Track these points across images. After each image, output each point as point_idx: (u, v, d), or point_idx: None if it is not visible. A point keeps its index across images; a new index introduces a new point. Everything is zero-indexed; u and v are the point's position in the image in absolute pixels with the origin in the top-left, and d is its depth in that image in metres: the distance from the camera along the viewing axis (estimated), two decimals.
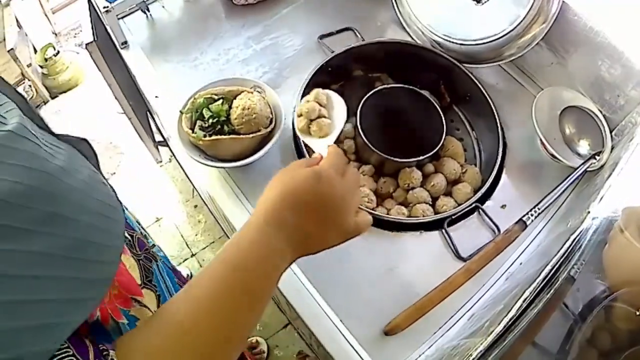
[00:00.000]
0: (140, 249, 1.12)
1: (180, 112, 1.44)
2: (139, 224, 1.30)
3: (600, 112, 1.55)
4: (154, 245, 1.24)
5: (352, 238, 0.95)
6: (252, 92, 1.44)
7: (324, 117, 1.28)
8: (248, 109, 1.38)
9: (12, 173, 0.64)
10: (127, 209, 1.23)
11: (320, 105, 1.31)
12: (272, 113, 1.45)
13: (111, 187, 1.09)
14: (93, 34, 1.77)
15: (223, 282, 0.79)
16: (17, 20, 3.72)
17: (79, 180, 0.80)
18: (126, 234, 1.06)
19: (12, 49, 3.48)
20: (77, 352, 0.62)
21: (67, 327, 0.61)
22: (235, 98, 1.44)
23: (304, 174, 0.90)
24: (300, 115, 1.30)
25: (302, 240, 0.89)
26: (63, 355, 0.60)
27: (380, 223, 1.44)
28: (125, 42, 1.84)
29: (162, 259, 1.24)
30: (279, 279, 0.88)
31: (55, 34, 4.34)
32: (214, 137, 1.38)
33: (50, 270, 0.61)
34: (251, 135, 1.38)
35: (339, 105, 1.33)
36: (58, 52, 3.82)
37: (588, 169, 1.46)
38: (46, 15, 4.20)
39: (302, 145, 1.50)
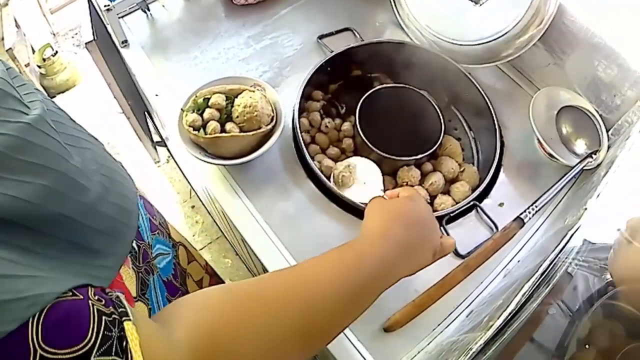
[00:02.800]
0: (143, 261, 1.12)
1: (182, 110, 1.45)
2: (151, 223, 1.31)
3: (597, 111, 1.56)
4: (155, 257, 1.24)
5: (440, 258, 1.04)
6: (253, 91, 1.45)
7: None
8: (250, 106, 1.39)
9: (24, 170, 0.65)
10: (143, 210, 1.23)
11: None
12: (273, 111, 1.46)
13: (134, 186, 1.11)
14: (93, 32, 1.78)
15: (339, 276, 0.83)
16: (15, 20, 3.72)
17: (95, 181, 0.81)
18: (134, 244, 1.06)
19: (10, 48, 3.48)
20: None
21: None
22: (236, 96, 1.45)
23: (401, 199, 1.01)
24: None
25: (409, 254, 0.95)
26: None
27: None
28: (126, 41, 1.84)
29: (159, 271, 1.23)
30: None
31: (54, 34, 4.34)
32: (215, 134, 1.39)
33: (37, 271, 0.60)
34: (252, 133, 1.39)
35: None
36: (56, 52, 3.82)
37: (585, 168, 1.47)
38: (44, 15, 4.20)
39: (302, 143, 1.51)
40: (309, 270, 0.86)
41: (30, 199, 0.65)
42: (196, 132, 1.39)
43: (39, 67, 3.83)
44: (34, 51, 3.89)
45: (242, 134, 1.39)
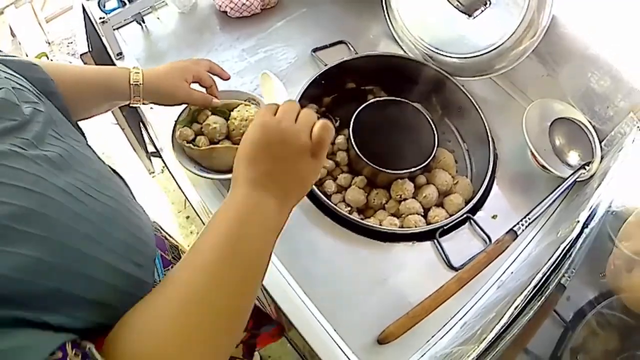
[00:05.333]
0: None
1: (175, 122, 1.46)
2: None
3: (590, 123, 1.57)
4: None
5: (325, 149, 0.94)
6: (249, 105, 1.45)
7: None
8: (247, 120, 1.39)
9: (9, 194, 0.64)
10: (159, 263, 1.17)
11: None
12: None
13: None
14: (88, 44, 1.78)
15: (221, 252, 0.79)
16: (10, 29, 3.72)
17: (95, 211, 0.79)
18: None
19: None
20: None
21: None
22: (232, 110, 1.45)
23: (249, 128, 0.92)
24: None
25: (277, 183, 0.89)
26: None
27: (373, 234, 1.45)
28: (121, 53, 1.85)
29: None
30: (277, 238, 0.89)
31: (49, 43, 4.33)
32: (209, 146, 1.39)
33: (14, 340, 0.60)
34: None
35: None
36: (51, 61, 3.80)
37: (578, 179, 1.48)
38: (40, 24, 4.19)
39: None
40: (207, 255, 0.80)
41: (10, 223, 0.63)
42: (190, 145, 1.39)
43: None
44: None
45: (236, 146, 1.38)
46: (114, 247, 0.82)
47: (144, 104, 1.32)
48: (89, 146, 1.00)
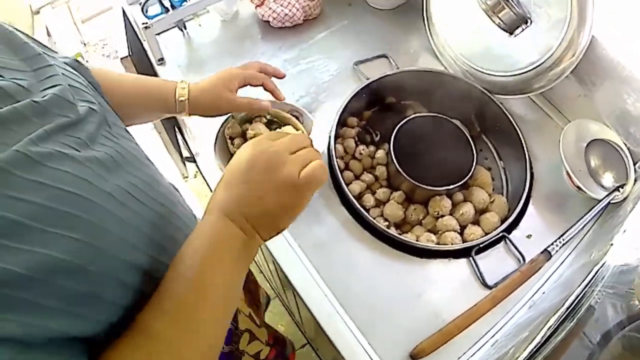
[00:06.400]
0: None
1: (231, 116, 1.49)
2: None
3: (625, 144, 1.57)
4: None
5: (312, 191, 0.88)
6: (298, 129, 1.45)
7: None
8: None
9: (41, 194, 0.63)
10: None
11: None
12: None
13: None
14: (128, 48, 1.80)
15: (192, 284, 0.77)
16: (47, 29, 3.74)
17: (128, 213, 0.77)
18: None
19: None
20: None
21: None
22: (283, 125, 1.47)
23: (240, 148, 0.88)
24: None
25: (246, 213, 0.84)
26: None
27: (410, 249, 1.46)
28: (162, 59, 1.87)
29: None
30: (245, 270, 0.87)
31: (84, 44, 4.36)
32: None
33: None
34: None
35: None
36: (87, 62, 3.82)
37: (612, 201, 1.48)
38: (75, 24, 4.22)
39: (337, 170, 1.54)
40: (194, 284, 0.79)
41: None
42: (235, 145, 1.41)
43: None
44: None
45: None
46: (156, 254, 0.82)
47: (190, 115, 1.33)
48: (141, 149, 1.01)
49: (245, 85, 1.37)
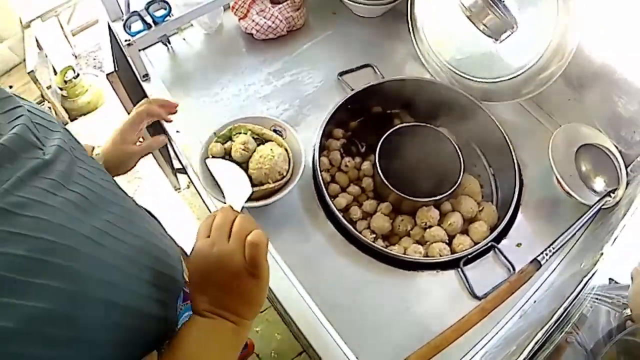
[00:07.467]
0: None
1: (214, 134, 1.49)
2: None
3: (617, 148, 1.56)
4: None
5: (259, 269, 0.90)
6: (281, 145, 1.46)
7: None
8: (265, 158, 1.41)
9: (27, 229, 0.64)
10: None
11: None
12: (287, 169, 1.46)
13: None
14: (114, 64, 1.78)
15: None
16: (37, 42, 3.73)
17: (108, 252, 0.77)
18: None
19: (32, 70, 3.49)
20: None
21: None
22: (265, 142, 1.47)
23: (192, 256, 0.92)
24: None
25: (227, 308, 0.89)
26: None
27: (397, 262, 1.45)
28: (147, 75, 1.85)
29: None
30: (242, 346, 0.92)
31: (75, 56, 4.35)
32: None
33: None
34: (256, 189, 1.39)
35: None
36: (78, 74, 3.82)
37: (603, 207, 1.46)
38: (66, 37, 4.21)
39: (322, 184, 1.53)
40: None
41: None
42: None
43: (61, 89, 3.82)
44: (55, 73, 3.90)
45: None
46: (138, 289, 0.83)
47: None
48: (115, 182, 1.00)
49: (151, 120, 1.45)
